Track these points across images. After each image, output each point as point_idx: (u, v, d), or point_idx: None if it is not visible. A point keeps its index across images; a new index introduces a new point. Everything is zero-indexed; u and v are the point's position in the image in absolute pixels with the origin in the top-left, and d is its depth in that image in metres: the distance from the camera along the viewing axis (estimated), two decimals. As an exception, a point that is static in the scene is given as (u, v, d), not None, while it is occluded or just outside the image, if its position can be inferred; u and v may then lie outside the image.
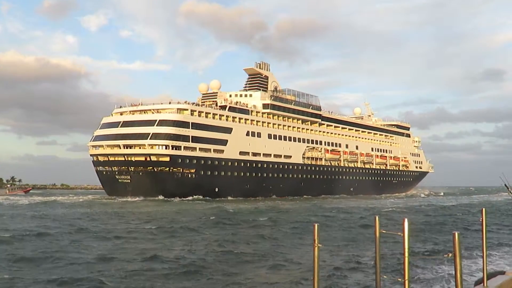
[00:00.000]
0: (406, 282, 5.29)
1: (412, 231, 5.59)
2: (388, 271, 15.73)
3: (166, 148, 71.15)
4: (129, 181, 72.84)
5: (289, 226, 30.89)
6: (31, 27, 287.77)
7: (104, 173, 75.82)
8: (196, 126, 74.86)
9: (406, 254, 5.24)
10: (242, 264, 18.01)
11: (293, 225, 31.61)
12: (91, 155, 77.08)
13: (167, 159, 71.22)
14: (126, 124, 74.61)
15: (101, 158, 75.42)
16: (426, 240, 24.99)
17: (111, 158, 74.17)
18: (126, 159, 72.58)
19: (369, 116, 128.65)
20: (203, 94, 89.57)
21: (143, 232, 27.75)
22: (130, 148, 72.78)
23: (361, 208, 53.10)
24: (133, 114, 77.38)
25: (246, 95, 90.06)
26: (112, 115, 79.04)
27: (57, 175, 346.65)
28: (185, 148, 73.03)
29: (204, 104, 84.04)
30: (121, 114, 77.83)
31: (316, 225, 5.75)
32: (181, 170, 72.55)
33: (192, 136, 73.85)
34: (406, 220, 5.31)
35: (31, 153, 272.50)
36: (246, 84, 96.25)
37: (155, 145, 71.27)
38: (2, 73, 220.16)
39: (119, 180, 73.76)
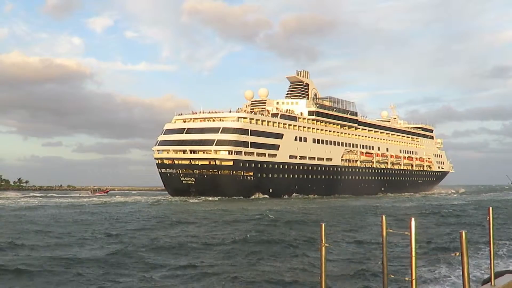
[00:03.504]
0: (414, 281, 5.21)
1: None
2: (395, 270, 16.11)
3: (229, 153, 78.56)
4: (193, 182, 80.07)
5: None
6: (36, 29, 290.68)
7: (169, 175, 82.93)
8: (254, 133, 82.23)
9: (413, 254, 5.18)
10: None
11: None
12: (155, 158, 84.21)
13: (231, 163, 78.61)
14: (191, 130, 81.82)
15: (166, 161, 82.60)
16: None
17: (176, 162, 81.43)
18: (191, 163, 79.84)
19: (395, 119, 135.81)
20: (252, 101, 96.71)
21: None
22: (195, 152, 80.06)
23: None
24: (194, 121, 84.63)
25: (292, 103, 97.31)
26: (175, 121, 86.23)
27: (63, 176, 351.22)
28: (245, 153, 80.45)
29: (253, 111, 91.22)
30: (184, 121, 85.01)
31: (323, 224, 5.65)
32: (242, 173, 79.96)
33: (251, 142, 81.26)
34: (413, 219, 5.27)
35: (37, 155, 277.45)
36: (288, 92, 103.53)
37: (220, 150, 78.59)
38: (7, 74, 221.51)
39: (183, 182, 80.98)
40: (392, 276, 12.44)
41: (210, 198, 74.16)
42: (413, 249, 5.25)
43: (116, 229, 29.62)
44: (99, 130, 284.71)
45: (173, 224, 32.99)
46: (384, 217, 5.88)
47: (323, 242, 5.56)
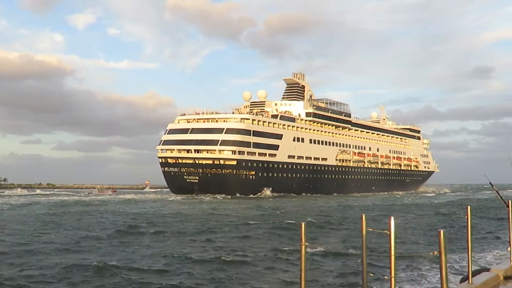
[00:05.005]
0: (392, 279, 5.26)
1: None
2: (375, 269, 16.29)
3: (233, 153, 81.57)
4: (197, 181, 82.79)
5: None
6: (17, 25, 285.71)
7: (172, 173, 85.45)
8: (256, 133, 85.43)
9: (392, 252, 5.21)
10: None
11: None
12: (159, 157, 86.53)
13: (234, 163, 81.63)
14: (195, 131, 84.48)
15: (170, 160, 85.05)
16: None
17: (180, 161, 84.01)
18: (195, 162, 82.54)
19: (384, 119, 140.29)
20: (251, 102, 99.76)
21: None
22: (199, 152, 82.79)
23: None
24: (198, 122, 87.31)
25: (290, 104, 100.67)
26: (178, 122, 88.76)
27: (42, 174, 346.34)
28: (248, 153, 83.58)
29: (252, 112, 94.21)
30: (188, 121, 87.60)
31: (303, 223, 5.66)
32: (245, 173, 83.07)
33: (253, 142, 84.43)
34: (392, 218, 5.28)
35: (15, 152, 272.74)
36: (284, 93, 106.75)
37: (224, 150, 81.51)
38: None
39: (187, 180, 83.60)
40: (372, 274, 13.01)
41: (207, 199, 76.39)
42: (392, 248, 5.24)
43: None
44: (79, 128, 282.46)
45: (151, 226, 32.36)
46: (364, 216, 5.76)
47: (303, 241, 5.51)
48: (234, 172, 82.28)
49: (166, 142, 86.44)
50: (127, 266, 17.82)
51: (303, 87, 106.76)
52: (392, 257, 5.24)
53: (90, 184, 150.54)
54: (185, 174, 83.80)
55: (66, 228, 30.56)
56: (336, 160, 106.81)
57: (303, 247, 5.50)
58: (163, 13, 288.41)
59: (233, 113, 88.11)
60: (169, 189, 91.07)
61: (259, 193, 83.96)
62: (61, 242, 24.00)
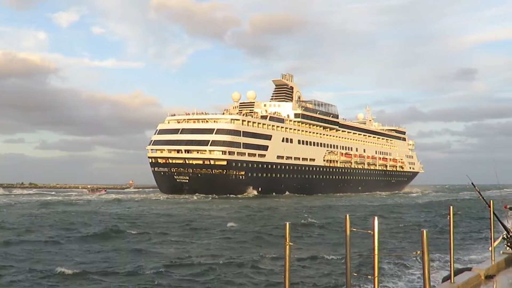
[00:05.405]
0: (376, 279, 5.26)
1: None
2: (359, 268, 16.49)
3: (223, 154, 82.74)
4: (187, 181, 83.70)
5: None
6: (0, 23, 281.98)
7: (162, 173, 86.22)
8: (246, 134, 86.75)
9: (376, 252, 5.21)
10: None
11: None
12: (149, 157, 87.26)
13: (224, 163, 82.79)
14: (185, 131, 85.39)
15: (160, 160, 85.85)
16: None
17: (171, 161, 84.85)
18: (186, 162, 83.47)
19: (370, 121, 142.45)
20: (240, 103, 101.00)
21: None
22: (189, 152, 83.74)
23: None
24: (188, 122, 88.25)
25: (279, 105, 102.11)
26: (168, 122, 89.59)
27: (25, 173, 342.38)
28: (238, 153, 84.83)
29: (241, 112, 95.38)
30: (178, 121, 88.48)
31: (287, 223, 5.56)
32: (235, 173, 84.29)
33: (243, 143, 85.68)
34: (376, 218, 5.28)
35: None
36: (273, 94, 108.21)
37: (214, 150, 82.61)
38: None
39: (177, 180, 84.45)
40: (355, 274, 13.20)
41: (192, 199, 77.35)
42: (376, 248, 5.20)
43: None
44: (63, 127, 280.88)
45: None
46: (347, 216, 5.71)
47: (287, 241, 5.45)
48: (224, 172, 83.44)
49: (156, 142, 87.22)
50: (107, 269, 17.67)
51: (292, 88, 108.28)
52: (376, 256, 5.22)
53: (73, 184, 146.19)
54: (175, 174, 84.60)
55: (46, 229, 29.94)
56: (324, 160, 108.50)
57: (287, 246, 5.46)
58: (147, 12, 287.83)
59: (223, 113, 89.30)
60: (152, 189, 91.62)
61: (245, 193, 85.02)
62: (42, 242, 23.93)
